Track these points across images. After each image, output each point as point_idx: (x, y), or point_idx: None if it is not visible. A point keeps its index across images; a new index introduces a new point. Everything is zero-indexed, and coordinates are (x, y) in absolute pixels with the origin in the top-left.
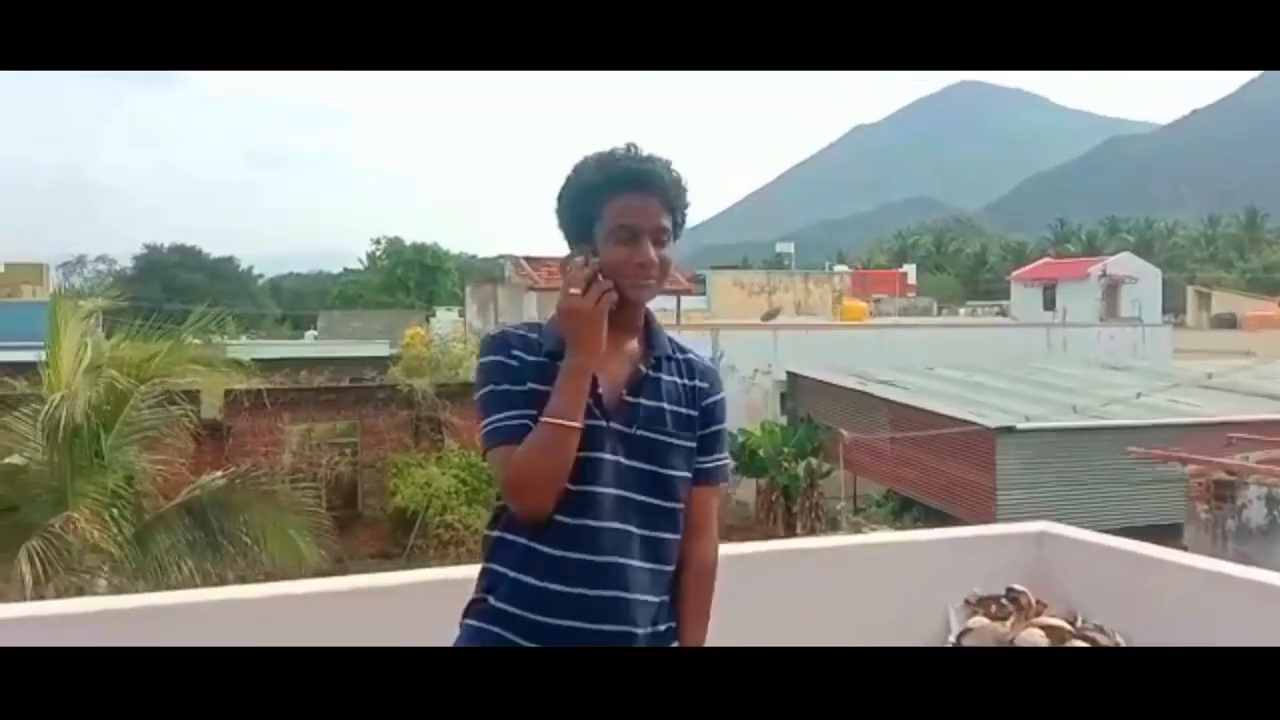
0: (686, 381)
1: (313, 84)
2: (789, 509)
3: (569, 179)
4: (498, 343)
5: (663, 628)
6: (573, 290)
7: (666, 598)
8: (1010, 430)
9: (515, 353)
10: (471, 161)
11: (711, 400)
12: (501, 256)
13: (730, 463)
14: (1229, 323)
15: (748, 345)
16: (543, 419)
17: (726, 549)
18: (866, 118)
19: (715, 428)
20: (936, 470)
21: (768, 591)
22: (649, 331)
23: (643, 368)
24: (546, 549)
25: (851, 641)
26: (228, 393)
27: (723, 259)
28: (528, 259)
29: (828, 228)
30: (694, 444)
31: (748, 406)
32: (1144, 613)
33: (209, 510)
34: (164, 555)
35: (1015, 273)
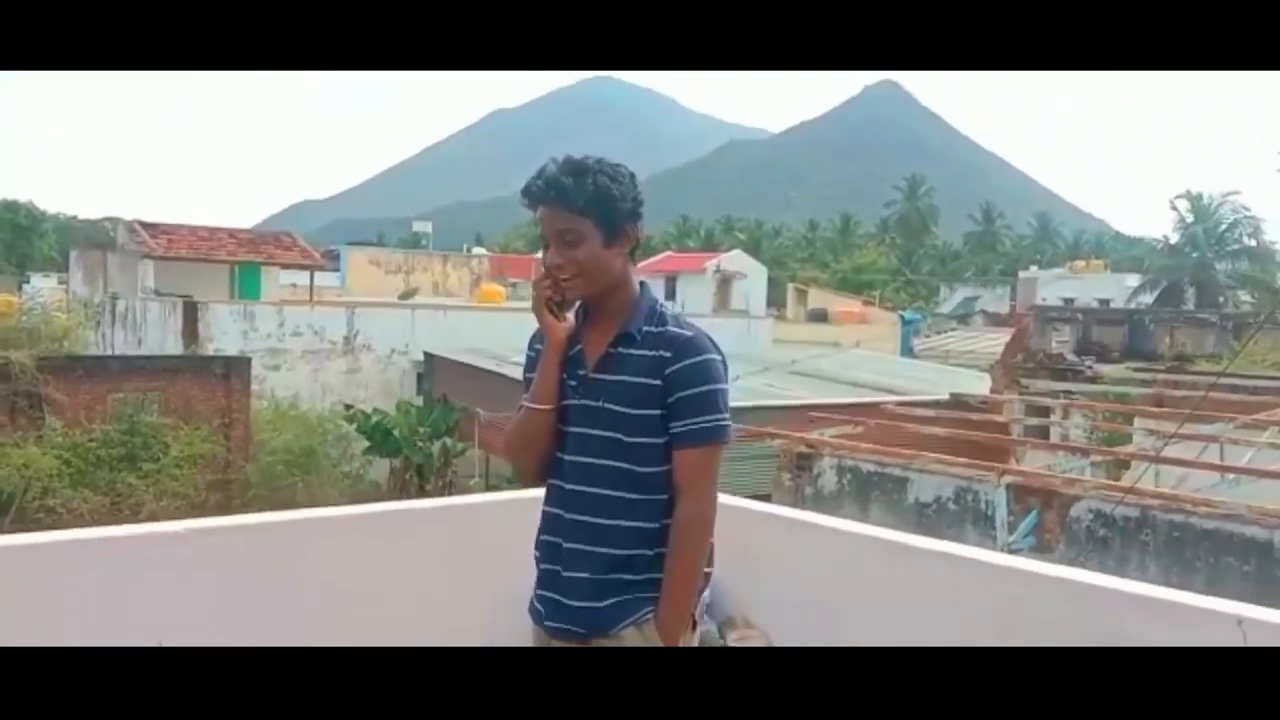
0: (656, 353)
1: None
2: (422, 487)
3: None
4: (532, 336)
5: (630, 577)
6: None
7: (642, 551)
8: None
9: (536, 346)
10: (73, 115)
11: (673, 369)
12: (108, 219)
13: (719, 422)
14: (821, 317)
15: (385, 325)
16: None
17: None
18: (505, 103)
19: (682, 393)
20: None
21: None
22: (630, 313)
23: (609, 348)
24: (544, 506)
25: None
26: None
27: (357, 235)
28: (144, 224)
29: (465, 210)
30: (658, 412)
31: (384, 386)
32: (722, 548)
33: None
34: None
35: (641, 264)
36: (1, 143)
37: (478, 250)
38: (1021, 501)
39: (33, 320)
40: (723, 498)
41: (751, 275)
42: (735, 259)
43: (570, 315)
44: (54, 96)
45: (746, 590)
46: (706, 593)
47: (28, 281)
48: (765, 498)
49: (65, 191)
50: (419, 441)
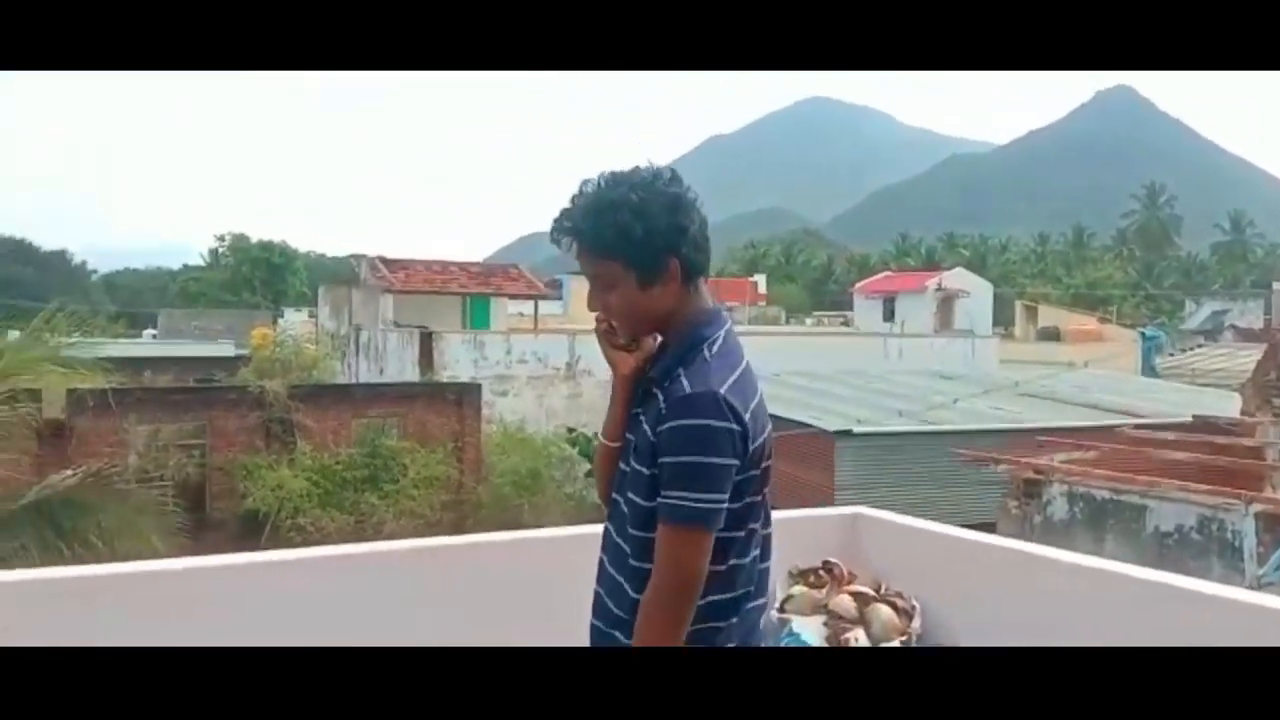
0: (661, 405)
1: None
2: None
3: None
4: None
5: (624, 638)
6: None
7: (629, 617)
8: (848, 434)
9: None
10: (321, 155)
11: (663, 428)
12: (354, 256)
13: (691, 502)
14: (1053, 335)
15: None
16: None
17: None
18: (721, 128)
19: (665, 459)
20: (782, 471)
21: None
22: (671, 349)
23: (650, 389)
24: None
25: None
26: (70, 391)
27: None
28: (384, 260)
29: None
30: (648, 471)
31: (604, 410)
32: (934, 578)
33: (59, 510)
34: (12, 556)
35: (858, 285)
36: (251, 185)
37: None
38: (1272, 531)
39: (285, 352)
40: (935, 526)
41: (975, 293)
42: (957, 276)
43: (647, 340)
44: (298, 140)
45: (958, 621)
46: None
47: (282, 316)
48: (990, 526)
49: (315, 230)
50: None
